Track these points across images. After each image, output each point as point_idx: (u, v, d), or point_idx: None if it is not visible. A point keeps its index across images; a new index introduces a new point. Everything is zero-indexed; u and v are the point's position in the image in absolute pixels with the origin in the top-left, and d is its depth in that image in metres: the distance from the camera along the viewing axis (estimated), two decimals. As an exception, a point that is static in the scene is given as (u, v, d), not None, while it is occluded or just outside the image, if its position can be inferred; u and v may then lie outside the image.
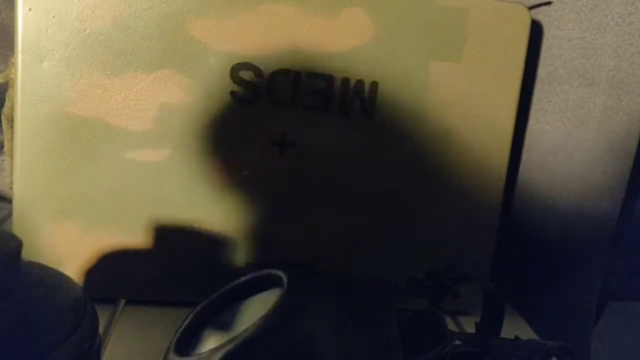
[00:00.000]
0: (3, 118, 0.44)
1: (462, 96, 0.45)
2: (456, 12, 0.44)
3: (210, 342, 0.33)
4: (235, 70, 0.42)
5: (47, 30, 0.40)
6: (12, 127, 0.42)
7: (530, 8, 0.47)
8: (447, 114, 0.45)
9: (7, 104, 0.43)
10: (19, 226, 0.42)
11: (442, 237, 0.47)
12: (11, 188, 0.43)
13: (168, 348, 0.33)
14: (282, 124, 0.43)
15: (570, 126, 0.49)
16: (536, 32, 0.49)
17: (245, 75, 0.42)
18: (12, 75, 0.41)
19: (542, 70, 0.49)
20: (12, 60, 0.41)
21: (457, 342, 0.39)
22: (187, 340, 0.33)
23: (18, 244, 0.27)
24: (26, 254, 0.28)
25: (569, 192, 0.50)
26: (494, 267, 0.51)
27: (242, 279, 0.36)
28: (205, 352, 0.31)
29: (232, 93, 0.42)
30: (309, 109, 0.43)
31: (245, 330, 0.30)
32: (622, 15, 0.46)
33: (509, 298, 0.55)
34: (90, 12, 0.40)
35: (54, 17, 0.40)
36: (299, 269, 0.36)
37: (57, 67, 0.40)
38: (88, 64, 0.40)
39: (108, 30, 0.40)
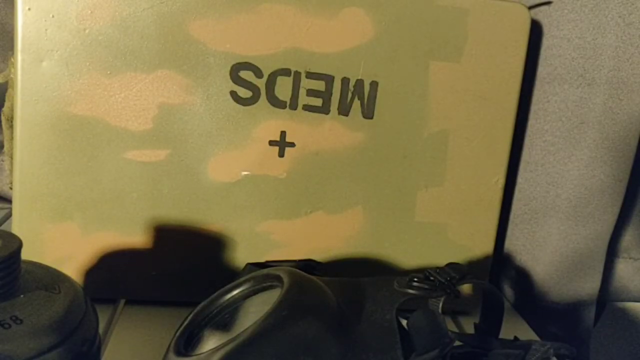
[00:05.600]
0: (3, 118, 0.44)
1: (462, 96, 0.45)
2: (456, 12, 0.44)
3: (210, 342, 0.33)
4: (235, 70, 0.42)
5: (46, 30, 0.40)
6: (11, 127, 0.42)
7: (530, 8, 0.47)
8: (447, 114, 0.45)
9: (6, 103, 0.43)
10: (19, 226, 0.42)
11: (442, 237, 0.47)
12: (11, 188, 0.43)
13: (168, 348, 0.33)
14: (282, 124, 0.43)
15: (570, 126, 0.49)
16: (536, 32, 0.49)
17: (245, 75, 0.42)
18: (11, 75, 0.41)
19: (541, 70, 0.49)
20: (12, 60, 0.41)
21: (457, 343, 0.39)
22: (187, 340, 0.33)
23: (18, 244, 0.27)
24: (26, 254, 0.28)
25: (568, 192, 0.50)
26: (494, 267, 0.51)
27: (242, 279, 0.36)
28: (205, 352, 0.31)
29: (232, 93, 0.42)
30: (309, 109, 0.43)
31: (245, 330, 0.30)
32: (622, 15, 0.46)
33: (509, 298, 0.55)
34: (89, 12, 0.40)
35: (53, 17, 0.40)
36: (299, 268, 0.36)
37: (57, 67, 0.40)
38: (88, 63, 0.40)
39: (108, 30, 0.40)
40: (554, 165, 0.50)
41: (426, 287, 0.34)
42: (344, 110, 0.44)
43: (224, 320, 0.35)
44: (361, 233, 0.46)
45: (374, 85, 0.44)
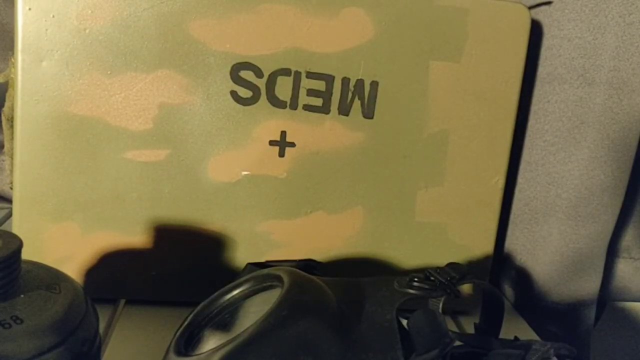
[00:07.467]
0: (3, 118, 0.44)
1: (462, 96, 0.45)
2: (456, 12, 0.44)
3: (210, 342, 0.33)
4: (235, 70, 0.42)
5: (46, 30, 0.40)
6: (11, 127, 0.42)
7: (531, 8, 0.47)
8: (447, 114, 0.45)
9: (7, 103, 0.43)
10: (19, 226, 0.42)
11: (442, 237, 0.47)
12: (11, 188, 0.43)
13: (168, 348, 0.33)
14: (282, 123, 0.43)
15: (570, 126, 0.49)
16: (536, 32, 0.49)
17: (245, 75, 0.42)
18: (12, 75, 0.41)
19: (542, 70, 0.49)
20: (12, 60, 0.41)
21: (457, 343, 0.39)
22: (187, 340, 0.33)
23: (18, 244, 0.27)
24: (26, 254, 0.28)
25: (568, 192, 0.50)
26: (494, 267, 0.51)
27: (242, 279, 0.36)
28: (205, 352, 0.31)
29: (232, 93, 0.42)
30: (309, 108, 0.43)
31: (245, 330, 0.30)
32: (622, 15, 0.46)
33: (509, 298, 0.55)
34: (90, 11, 0.40)
35: (53, 16, 0.40)
36: (299, 268, 0.36)
37: (57, 67, 0.40)
38: (88, 63, 0.40)
39: (108, 30, 0.40)
40: (554, 165, 0.50)
41: (426, 287, 0.34)
42: (344, 110, 0.44)
43: (224, 320, 0.35)
44: (361, 233, 0.46)
45: (374, 85, 0.44)
